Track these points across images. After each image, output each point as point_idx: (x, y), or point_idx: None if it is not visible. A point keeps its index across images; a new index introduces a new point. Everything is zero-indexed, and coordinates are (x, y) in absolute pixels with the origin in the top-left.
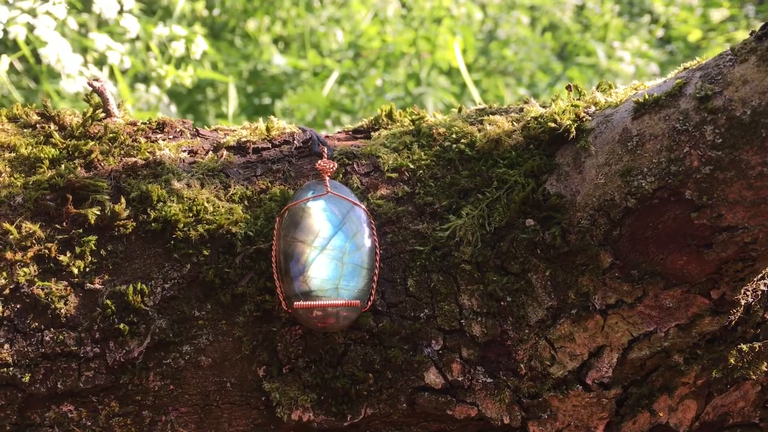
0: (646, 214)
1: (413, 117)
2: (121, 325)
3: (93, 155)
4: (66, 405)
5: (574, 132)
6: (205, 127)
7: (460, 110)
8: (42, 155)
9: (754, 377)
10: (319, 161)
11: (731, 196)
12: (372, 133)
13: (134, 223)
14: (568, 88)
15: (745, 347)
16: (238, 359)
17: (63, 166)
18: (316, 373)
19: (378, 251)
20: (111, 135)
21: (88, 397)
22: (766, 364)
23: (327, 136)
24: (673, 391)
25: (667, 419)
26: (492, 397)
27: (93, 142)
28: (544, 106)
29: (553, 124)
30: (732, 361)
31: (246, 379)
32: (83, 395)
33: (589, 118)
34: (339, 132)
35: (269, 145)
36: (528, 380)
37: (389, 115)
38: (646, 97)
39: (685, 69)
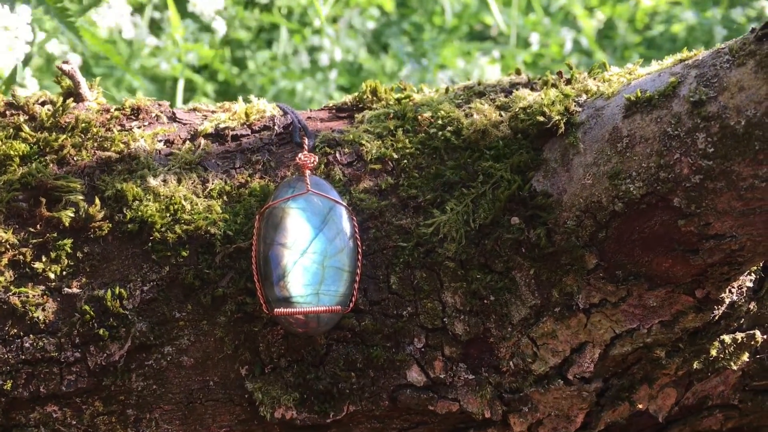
0: (633, 218)
1: (399, 96)
2: (101, 331)
3: (65, 151)
4: (50, 406)
5: (563, 127)
6: (183, 107)
7: (447, 90)
8: (12, 152)
9: (735, 368)
10: (300, 155)
11: (720, 206)
12: (356, 114)
13: (110, 225)
14: (559, 74)
15: (727, 339)
16: (221, 359)
17: (34, 164)
18: (298, 373)
19: (360, 251)
20: (83, 125)
21: (72, 398)
22: (747, 354)
23: (308, 118)
24: (654, 382)
25: (646, 406)
26: (473, 393)
27: (64, 136)
28: (532, 85)
29: (541, 118)
30: (713, 353)
31: (229, 377)
32: (67, 397)
33: (579, 109)
34: (322, 109)
35: (248, 132)
36: (510, 376)
37: (374, 92)
38: (638, 94)
39: (680, 61)
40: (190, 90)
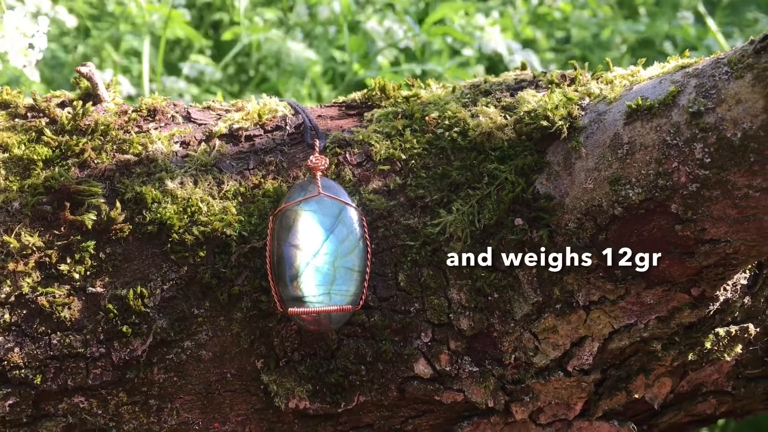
0: (631, 222)
1: (407, 94)
2: (124, 328)
3: (86, 155)
4: (77, 397)
5: (566, 132)
6: (196, 104)
7: (453, 89)
8: (35, 156)
9: (729, 359)
10: (311, 157)
11: (716, 213)
12: (365, 113)
13: (130, 227)
14: (563, 76)
15: (721, 332)
16: (237, 353)
17: (57, 169)
18: (311, 367)
19: (370, 250)
20: (102, 128)
21: (98, 390)
22: (740, 346)
23: (318, 116)
24: (650, 373)
25: (643, 394)
26: (477, 385)
27: (84, 140)
28: (537, 82)
29: (545, 122)
30: (708, 345)
31: (245, 370)
32: (93, 389)
33: (582, 113)
34: (332, 105)
35: (261, 132)
36: (512, 368)
37: (383, 89)
38: (639, 102)
39: (681, 68)
40: (189, 47)
